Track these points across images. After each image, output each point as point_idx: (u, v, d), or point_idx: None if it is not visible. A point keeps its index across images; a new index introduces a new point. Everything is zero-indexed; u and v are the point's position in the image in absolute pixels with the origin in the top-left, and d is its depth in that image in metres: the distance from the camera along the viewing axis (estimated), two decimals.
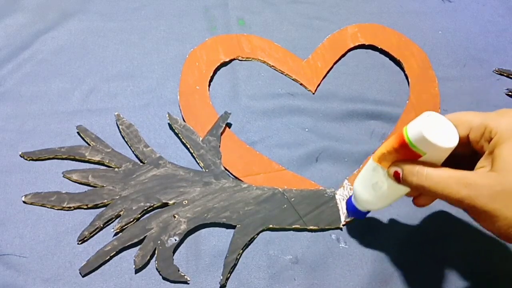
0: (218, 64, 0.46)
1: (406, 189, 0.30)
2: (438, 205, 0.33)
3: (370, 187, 0.31)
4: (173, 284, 0.34)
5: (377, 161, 0.30)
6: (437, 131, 0.26)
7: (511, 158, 0.25)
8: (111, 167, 0.39)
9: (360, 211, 0.34)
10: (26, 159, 0.39)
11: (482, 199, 0.25)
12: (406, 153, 0.27)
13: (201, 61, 0.46)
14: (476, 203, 0.25)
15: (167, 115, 0.42)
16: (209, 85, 0.45)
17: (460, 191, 0.26)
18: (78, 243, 0.35)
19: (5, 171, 0.39)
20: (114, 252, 0.35)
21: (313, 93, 0.45)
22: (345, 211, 0.37)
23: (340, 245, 0.36)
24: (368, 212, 0.34)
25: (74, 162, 0.39)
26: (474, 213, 0.27)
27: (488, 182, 0.25)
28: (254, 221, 0.37)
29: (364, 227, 0.37)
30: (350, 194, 0.35)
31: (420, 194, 0.31)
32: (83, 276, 0.34)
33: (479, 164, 0.28)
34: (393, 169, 0.29)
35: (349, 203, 0.35)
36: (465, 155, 0.29)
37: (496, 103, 0.45)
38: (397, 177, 0.28)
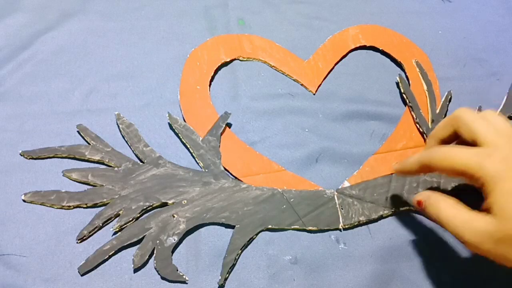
0: (219, 64, 0.46)
1: None
2: None
3: None
4: (172, 284, 0.34)
5: None
6: None
7: (505, 205, 0.25)
8: (111, 166, 0.39)
9: None
10: (26, 158, 0.39)
11: (486, 245, 0.26)
12: None
13: (202, 61, 0.46)
14: (480, 249, 0.27)
15: (167, 115, 0.42)
16: (210, 85, 0.45)
17: (464, 235, 0.27)
18: (77, 242, 0.35)
19: (5, 171, 0.39)
20: (113, 251, 0.35)
21: (314, 94, 0.45)
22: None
23: (340, 246, 0.36)
24: None
25: (74, 161, 0.39)
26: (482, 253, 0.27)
27: (489, 229, 0.26)
28: (253, 221, 0.37)
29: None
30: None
31: None
32: (82, 275, 0.34)
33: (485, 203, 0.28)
34: (417, 199, 0.33)
35: None
36: None
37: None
38: (419, 206, 0.32)
